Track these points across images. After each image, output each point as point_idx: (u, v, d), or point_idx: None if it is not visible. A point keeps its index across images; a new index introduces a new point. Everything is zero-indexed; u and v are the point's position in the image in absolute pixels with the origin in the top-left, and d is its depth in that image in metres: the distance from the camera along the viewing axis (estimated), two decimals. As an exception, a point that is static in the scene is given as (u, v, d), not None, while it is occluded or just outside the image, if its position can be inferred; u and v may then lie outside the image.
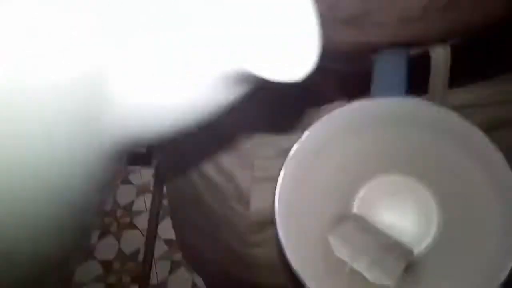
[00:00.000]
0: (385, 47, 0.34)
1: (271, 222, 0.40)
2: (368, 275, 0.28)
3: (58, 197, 0.16)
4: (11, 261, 0.16)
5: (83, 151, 0.16)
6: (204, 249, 0.51)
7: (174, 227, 0.57)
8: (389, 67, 0.33)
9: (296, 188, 0.31)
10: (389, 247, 0.32)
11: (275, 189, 0.30)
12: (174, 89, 0.16)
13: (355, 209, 0.34)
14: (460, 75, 0.36)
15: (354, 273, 0.29)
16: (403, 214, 0.35)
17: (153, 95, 0.16)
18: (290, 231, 0.29)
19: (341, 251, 0.29)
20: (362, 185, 0.36)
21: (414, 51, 0.34)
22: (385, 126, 0.33)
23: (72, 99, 0.15)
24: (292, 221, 0.30)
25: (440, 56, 0.34)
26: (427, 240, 0.33)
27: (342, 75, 0.38)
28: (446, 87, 0.34)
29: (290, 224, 0.30)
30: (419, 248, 0.33)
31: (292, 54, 0.18)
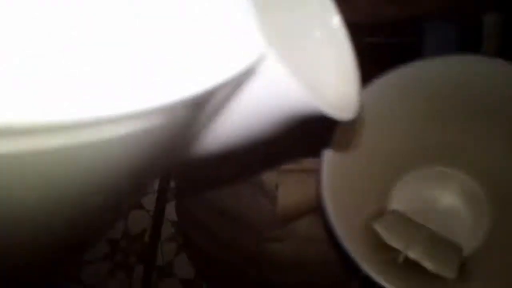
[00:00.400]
0: (435, 16, 0.32)
1: (296, 216, 0.38)
2: (427, 264, 0.26)
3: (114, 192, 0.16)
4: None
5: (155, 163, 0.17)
6: (211, 249, 0.49)
7: (179, 224, 0.55)
8: (441, 34, 0.31)
9: (338, 173, 0.29)
10: (440, 241, 0.30)
11: (320, 176, 0.28)
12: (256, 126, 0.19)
13: (395, 202, 0.32)
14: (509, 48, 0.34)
15: (407, 262, 0.27)
16: (449, 210, 0.33)
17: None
18: (337, 214, 0.27)
19: (392, 239, 0.27)
20: (403, 176, 0.33)
21: (466, 19, 0.32)
22: (432, 100, 0.31)
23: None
24: (338, 207, 0.28)
25: (492, 23, 0.32)
26: (478, 238, 0.31)
27: (381, 48, 0.36)
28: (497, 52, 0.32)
29: (336, 208, 0.28)
30: (469, 245, 0.31)
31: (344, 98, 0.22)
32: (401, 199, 0.33)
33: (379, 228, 0.27)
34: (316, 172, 0.28)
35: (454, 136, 0.32)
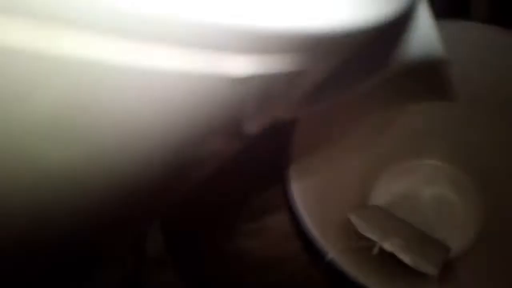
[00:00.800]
0: None
1: (272, 209, 0.36)
2: (405, 257, 0.23)
3: None
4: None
5: None
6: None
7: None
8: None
9: (308, 163, 0.26)
10: (423, 236, 0.27)
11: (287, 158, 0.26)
12: None
13: (378, 197, 0.30)
14: (500, 12, 0.31)
15: (387, 256, 0.24)
16: (436, 206, 0.30)
17: None
18: (306, 204, 0.24)
19: (367, 230, 0.24)
20: (386, 170, 0.31)
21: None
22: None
23: None
24: (310, 196, 0.26)
25: None
26: (468, 236, 0.28)
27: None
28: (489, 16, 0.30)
29: (307, 198, 0.25)
30: (458, 244, 0.28)
31: None
32: (384, 194, 0.31)
33: (354, 218, 0.25)
34: None
35: (438, 123, 0.29)
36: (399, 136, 0.31)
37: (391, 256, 0.24)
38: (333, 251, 0.22)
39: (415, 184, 0.32)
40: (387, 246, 0.23)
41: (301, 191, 0.25)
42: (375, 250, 0.23)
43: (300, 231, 0.24)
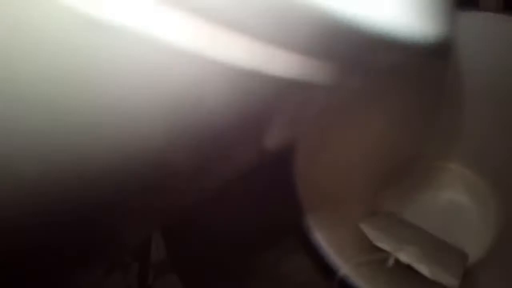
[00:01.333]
0: None
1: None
2: (422, 268, 0.22)
3: None
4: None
5: None
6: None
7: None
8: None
9: (315, 170, 0.25)
10: (440, 245, 0.26)
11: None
12: None
13: (389, 204, 0.29)
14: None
15: (402, 268, 0.23)
16: (451, 211, 0.29)
17: None
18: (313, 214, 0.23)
19: (381, 240, 0.23)
20: (397, 174, 0.30)
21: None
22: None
23: None
24: (319, 211, 0.24)
25: None
26: (485, 243, 0.27)
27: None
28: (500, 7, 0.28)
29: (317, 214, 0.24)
30: (475, 251, 0.27)
31: None
32: (396, 201, 0.29)
33: (365, 227, 0.23)
34: None
35: (451, 125, 0.28)
36: (410, 141, 0.30)
37: (408, 267, 0.23)
38: (345, 267, 0.20)
39: (428, 189, 0.30)
40: (403, 257, 0.22)
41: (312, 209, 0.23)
42: (390, 262, 0.22)
43: (310, 247, 0.22)
